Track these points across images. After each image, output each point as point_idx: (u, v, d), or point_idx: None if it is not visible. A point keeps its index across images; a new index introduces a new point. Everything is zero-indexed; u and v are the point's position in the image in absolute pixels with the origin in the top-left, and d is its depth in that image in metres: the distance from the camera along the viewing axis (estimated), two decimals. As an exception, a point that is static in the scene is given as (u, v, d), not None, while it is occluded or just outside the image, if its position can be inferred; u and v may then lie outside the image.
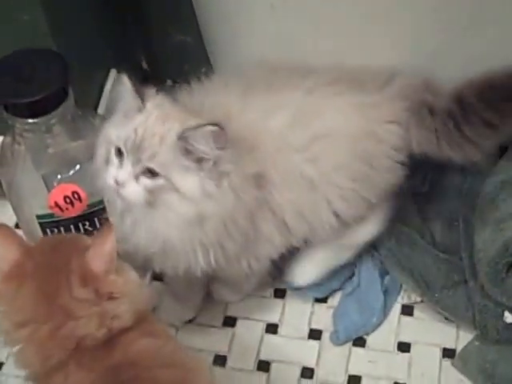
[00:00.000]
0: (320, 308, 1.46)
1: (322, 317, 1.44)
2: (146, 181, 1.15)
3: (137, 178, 1.15)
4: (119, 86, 1.19)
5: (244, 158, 1.19)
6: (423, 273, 1.44)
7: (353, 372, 1.37)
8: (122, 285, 1.02)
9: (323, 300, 1.46)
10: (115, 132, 1.18)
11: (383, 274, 1.46)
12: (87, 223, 1.34)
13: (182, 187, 1.15)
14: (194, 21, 1.58)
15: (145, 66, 1.76)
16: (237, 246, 1.24)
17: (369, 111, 1.31)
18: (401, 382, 1.36)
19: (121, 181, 1.15)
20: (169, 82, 1.78)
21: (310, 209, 1.28)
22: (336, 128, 1.28)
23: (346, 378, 1.37)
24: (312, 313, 1.45)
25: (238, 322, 1.45)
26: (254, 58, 1.53)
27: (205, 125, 1.12)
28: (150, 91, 1.20)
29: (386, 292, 1.45)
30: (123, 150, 1.16)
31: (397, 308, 1.45)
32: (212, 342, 1.42)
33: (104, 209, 1.33)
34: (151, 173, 1.14)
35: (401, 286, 1.47)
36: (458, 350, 1.39)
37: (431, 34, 1.48)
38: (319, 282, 1.43)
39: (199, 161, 1.14)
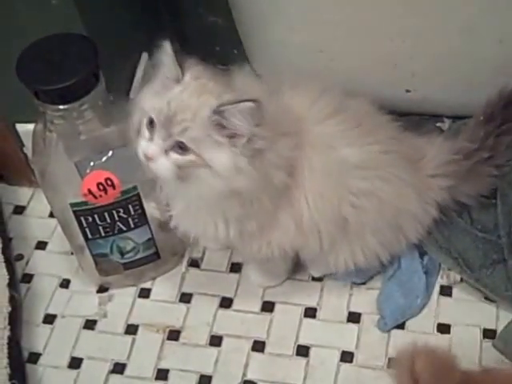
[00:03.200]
0: (359, 290, 1.43)
1: (361, 299, 1.42)
2: (176, 156, 1.13)
3: (167, 152, 1.13)
4: (161, 54, 1.16)
5: (281, 139, 1.17)
6: (461, 252, 1.41)
7: (393, 355, 1.34)
8: None
9: (363, 282, 1.44)
10: (150, 101, 1.16)
11: (422, 254, 1.44)
12: (121, 210, 1.33)
13: (214, 163, 1.12)
14: (225, 2, 1.56)
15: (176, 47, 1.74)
16: (254, 226, 1.23)
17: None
18: (442, 363, 1.34)
19: (150, 155, 1.14)
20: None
21: (328, 232, 1.28)
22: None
23: (386, 361, 1.34)
24: (351, 295, 1.43)
25: (276, 307, 1.43)
26: (283, 43, 1.54)
27: (243, 100, 1.09)
28: (191, 62, 1.17)
29: (426, 273, 1.42)
30: (155, 121, 1.13)
31: (436, 289, 1.42)
32: (250, 328, 1.40)
33: (138, 195, 1.32)
34: (182, 148, 1.12)
35: (440, 265, 1.44)
36: (499, 330, 1.35)
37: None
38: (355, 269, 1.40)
39: (233, 136, 1.11)
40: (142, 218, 1.37)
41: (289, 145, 1.19)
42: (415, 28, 1.42)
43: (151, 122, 1.14)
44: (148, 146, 1.14)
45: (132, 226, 1.37)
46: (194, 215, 1.25)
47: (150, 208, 1.39)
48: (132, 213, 1.34)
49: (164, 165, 1.13)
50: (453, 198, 1.40)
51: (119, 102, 1.29)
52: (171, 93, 1.14)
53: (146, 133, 1.15)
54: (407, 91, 1.54)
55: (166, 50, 1.14)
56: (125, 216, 1.34)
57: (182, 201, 1.25)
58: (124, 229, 1.37)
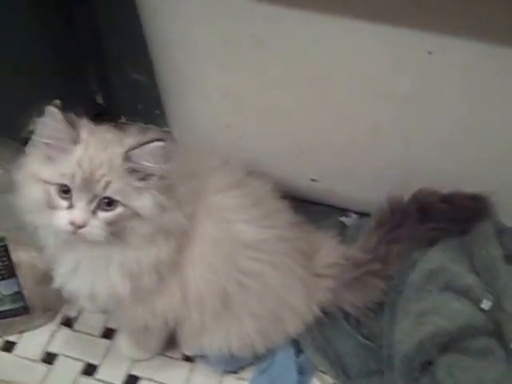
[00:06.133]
0: (229, 379, 1.37)
1: (229, 389, 1.37)
2: (105, 214, 1.09)
3: (94, 213, 1.09)
4: (47, 118, 1.10)
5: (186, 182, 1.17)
6: (341, 355, 1.36)
7: None
8: None
9: (234, 371, 1.38)
10: (48, 170, 1.10)
11: (299, 352, 1.38)
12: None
13: (141, 209, 1.10)
14: (149, 62, 1.53)
15: (99, 100, 1.72)
16: (148, 286, 1.18)
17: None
18: None
19: (80, 222, 1.08)
20: (123, 119, 1.74)
21: (211, 307, 1.24)
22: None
23: None
24: (221, 382, 1.37)
25: (141, 382, 1.37)
26: (199, 113, 1.51)
27: (150, 141, 1.07)
28: (81, 120, 1.13)
29: (300, 372, 1.36)
30: (71, 186, 1.08)
31: (308, 391, 1.37)
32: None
33: (5, 247, 1.28)
34: (108, 204, 1.09)
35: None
36: None
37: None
38: (228, 355, 1.34)
39: (147, 178, 1.10)
40: (10, 271, 1.32)
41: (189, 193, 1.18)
42: (323, 118, 1.39)
43: (63, 191, 1.09)
44: (71, 213, 1.09)
45: (-2, 277, 1.32)
46: (86, 273, 1.18)
47: (29, 257, 1.35)
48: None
49: (96, 226, 1.09)
50: (337, 303, 1.36)
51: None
52: (74, 155, 1.09)
53: (61, 202, 1.10)
54: (312, 180, 1.51)
55: (53, 112, 1.09)
56: (-5, 264, 1.30)
57: (72, 259, 1.18)
58: (-11, 280, 1.32)
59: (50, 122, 1.09)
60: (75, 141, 1.10)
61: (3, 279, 1.32)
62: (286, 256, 1.30)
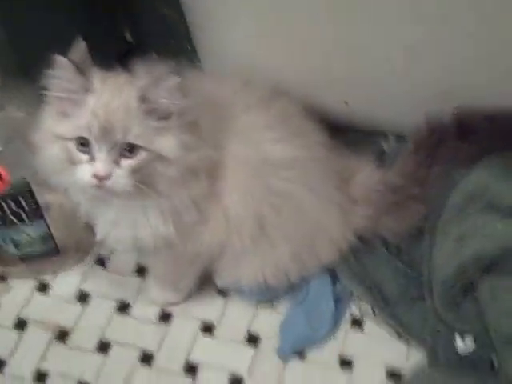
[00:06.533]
0: (264, 312, 1.34)
1: (265, 322, 1.33)
2: (128, 161, 1.05)
3: (117, 163, 1.05)
4: (56, 70, 1.05)
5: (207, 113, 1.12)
6: (379, 282, 1.31)
7: (285, 388, 1.26)
8: None
9: (269, 305, 1.34)
10: (64, 125, 1.06)
11: (335, 280, 1.33)
12: (12, 204, 1.27)
13: (164, 150, 1.06)
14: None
15: (129, 38, 1.67)
16: (190, 221, 1.14)
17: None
18: (333, 403, 1.24)
19: (104, 174, 1.04)
20: (154, 56, 1.69)
21: (250, 229, 1.20)
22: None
23: (276, 394, 1.26)
24: (255, 315, 1.33)
25: (174, 319, 1.34)
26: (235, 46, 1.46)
27: (164, 77, 1.03)
28: (92, 69, 1.09)
29: (337, 301, 1.32)
30: (90, 139, 1.04)
31: (347, 319, 1.32)
32: (142, 338, 1.32)
33: (30, 190, 1.26)
34: (130, 151, 1.05)
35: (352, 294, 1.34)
36: (406, 372, 1.25)
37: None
38: (263, 285, 1.30)
39: (166, 118, 1.05)
40: (37, 213, 1.30)
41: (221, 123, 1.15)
42: (352, 40, 1.32)
43: (82, 144, 1.05)
44: (94, 166, 1.05)
45: (25, 220, 1.30)
46: (126, 224, 1.15)
47: (57, 198, 1.33)
48: (25, 207, 1.28)
49: (121, 176, 1.05)
50: (375, 230, 1.31)
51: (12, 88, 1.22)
52: (88, 104, 1.05)
53: (81, 156, 1.06)
54: (346, 103, 1.44)
55: (62, 63, 1.04)
56: (17, 210, 1.28)
57: (109, 213, 1.15)
58: (17, 222, 1.31)
59: (60, 73, 1.05)
60: (88, 90, 1.06)
61: (31, 222, 1.31)
62: (320, 177, 1.24)
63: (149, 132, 1.05)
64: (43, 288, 1.39)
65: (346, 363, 1.27)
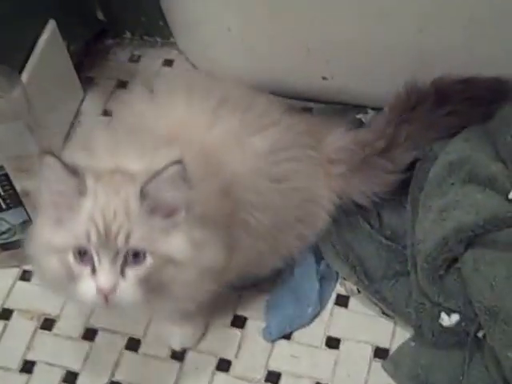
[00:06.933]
0: (249, 293, 1.32)
1: (250, 303, 1.32)
2: (134, 271, 0.95)
3: (123, 273, 0.95)
4: (45, 171, 0.95)
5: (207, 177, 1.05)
6: (362, 259, 1.30)
7: (272, 367, 1.25)
8: None
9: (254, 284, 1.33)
10: (58, 235, 0.97)
11: (319, 259, 1.32)
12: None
13: (173, 253, 0.97)
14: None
15: (101, 16, 1.65)
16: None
17: None
18: (323, 382, 1.23)
19: (108, 286, 0.94)
20: (127, 35, 1.68)
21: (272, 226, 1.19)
22: None
23: (265, 373, 1.25)
24: (240, 296, 1.32)
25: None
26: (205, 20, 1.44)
27: (165, 168, 0.93)
28: (83, 168, 0.97)
29: (321, 280, 1.31)
30: (89, 249, 0.95)
31: (332, 298, 1.31)
32: (128, 324, 1.30)
33: (6, 175, 1.24)
34: (136, 257, 0.95)
35: (337, 273, 1.33)
36: (392, 349, 1.25)
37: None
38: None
39: (172, 214, 0.96)
40: (15, 200, 1.28)
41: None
42: (328, 12, 1.30)
43: (80, 254, 0.96)
44: (97, 280, 0.95)
45: (4, 206, 1.29)
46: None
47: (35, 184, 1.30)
48: (1, 193, 1.26)
49: (128, 289, 0.95)
50: (349, 193, 1.29)
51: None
52: (84, 209, 0.95)
53: (82, 269, 0.96)
54: (324, 78, 1.42)
55: (50, 162, 0.94)
56: (-6, 190, 1.26)
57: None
58: (-6, 209, 1.29)
59: (49, 174, 0.95)
60: (81, 192, 0.96)
61: (9, 208, 1.29)
62: (297, 142, 1.23)
63: (154, 233, 0.96)
64: (27, 276, 1.38)
65: (332, 342, 1.27)
